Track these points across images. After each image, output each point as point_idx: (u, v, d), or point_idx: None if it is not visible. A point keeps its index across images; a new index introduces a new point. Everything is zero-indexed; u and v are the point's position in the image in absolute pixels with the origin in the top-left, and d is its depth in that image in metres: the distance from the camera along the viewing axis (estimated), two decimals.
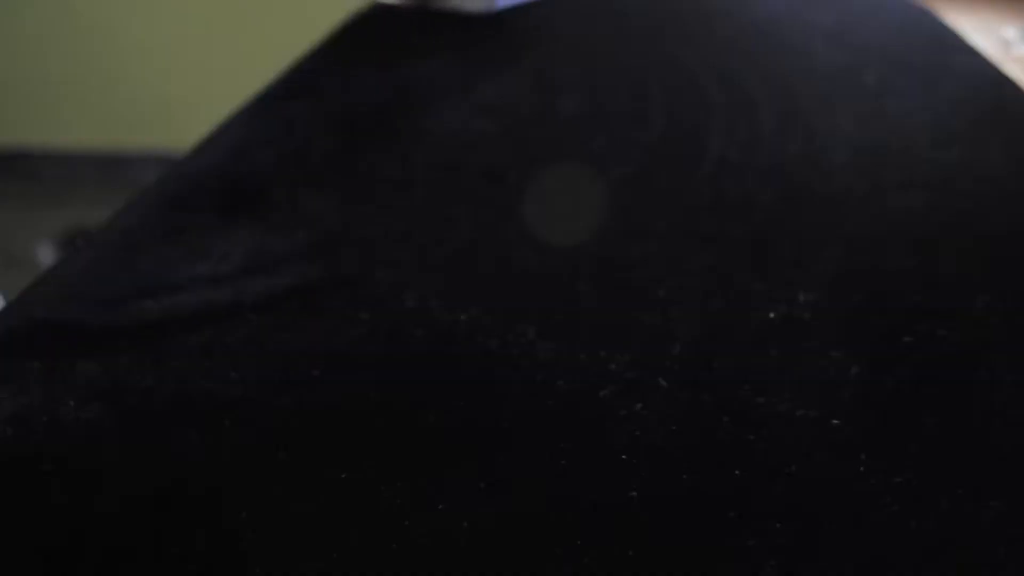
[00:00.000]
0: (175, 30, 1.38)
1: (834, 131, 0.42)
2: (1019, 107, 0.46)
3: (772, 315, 0.28)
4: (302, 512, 0.21)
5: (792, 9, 0.64)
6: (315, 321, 0.28)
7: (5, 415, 0.24)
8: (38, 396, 0.25)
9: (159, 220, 0.36)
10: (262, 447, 0.23)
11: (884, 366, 0.26)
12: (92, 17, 1.30)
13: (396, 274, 0.31)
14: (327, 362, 0.26)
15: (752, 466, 0.22)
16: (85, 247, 0.34)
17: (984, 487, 0.21)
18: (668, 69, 0.52)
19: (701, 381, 0.25)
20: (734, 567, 0.19)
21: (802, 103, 0.46)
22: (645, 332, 0.28)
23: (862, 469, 0.22)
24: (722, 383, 0.25)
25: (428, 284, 0.30)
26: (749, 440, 0.23)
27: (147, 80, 1.37)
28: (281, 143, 0.44)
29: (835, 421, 0.24)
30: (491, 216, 0.35)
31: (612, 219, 0.34)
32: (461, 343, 0.27)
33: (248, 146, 0.43)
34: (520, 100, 0.49)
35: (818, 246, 0.32)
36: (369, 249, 0.33)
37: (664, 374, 0.26)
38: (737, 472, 0.22)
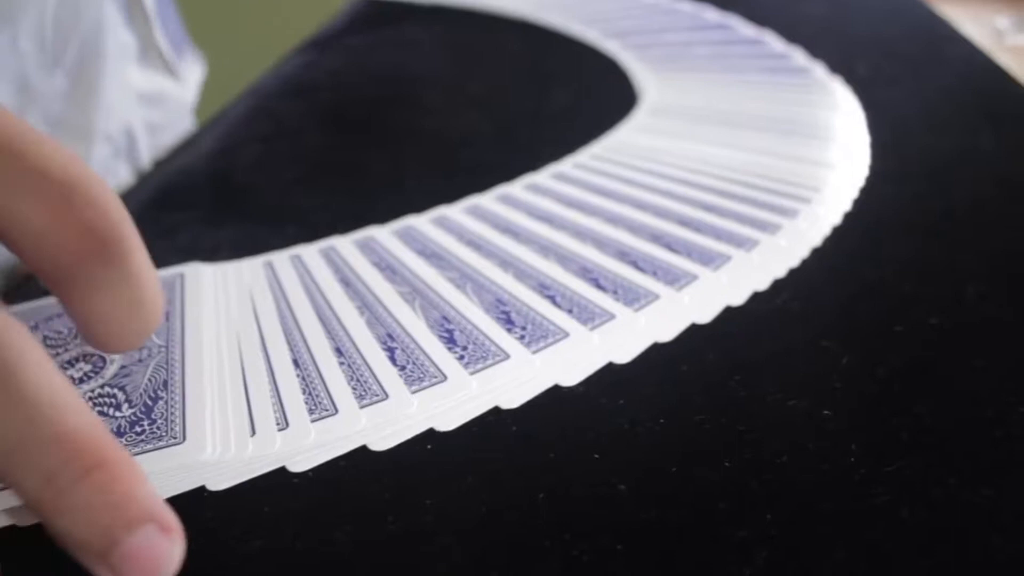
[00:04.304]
0: None
1: None
2: (1011, 97, 0.46)
3: (762, 305, 0.28)
4: (285, 512, 0.21)
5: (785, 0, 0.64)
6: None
7: None
8: None
9: (147, 216, 0.35)
10: None
11: (875, 355, 0.26)
12: None
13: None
14: None
15: (742, 457, 0.22)
16: None
17: (976, 475, 0.21)
18: None
19: (689, 372, 0.25)
20: (725, 558, 0.19)
21: None
22: None
23: (853, 459, 0.22)
24: (711, 374, 0.25)
25: None
26: (739, 431, 0.23)
27: None
28: (270, 139, 0.44)
29: (826, 411, 0.23)
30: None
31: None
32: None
33: (237, 142, 0.43)
34: (512, 95, 0.49)
35: None
36: None
37: (652, 366, 0.25)
38: (727, 463, 0.22)
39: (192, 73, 0.51)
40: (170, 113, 0.47)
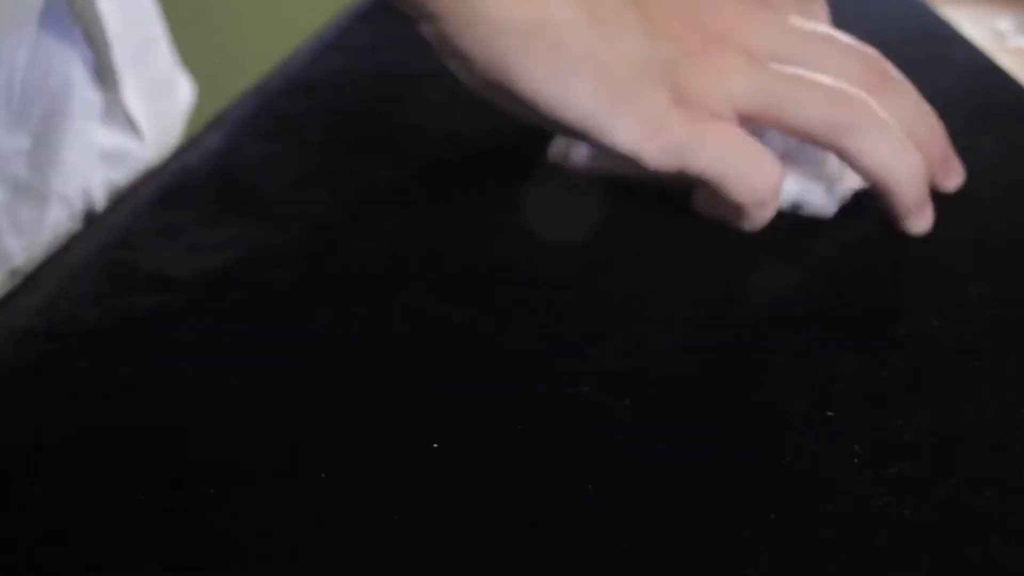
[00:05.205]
0: (168, 26, 1.37)
1: None
2: (1014, 99, 0.46)
3: (766, 307, 0.28)
4: (285, 510, 0.21)
5: None
6: (307, 316, 0.28)
7: None
8: (29, 393, 0.25)
9: (151, 214, 0.36)
10: (252, 444, 0.23)
11: (879, 357, 0.26)
12: None
13: (390, 270, 0.31)
14: (319, 358, 0.26)
15: (745, 458, 0.22)
16: (74, 242, 0.34)
17: (977, 477, 0.21)
18: None
19: (694, 373, 0.25)
20: (728, 559, 0.19)
21: None
22: (637, 326, 0.28)
23: (856, 460, 0.22)
24: (715, 375, 0.25)
25: (421, 280, 0.30)
26: (741, 433, 0.23)
27: None
28: (274, 137, 0.44)
29: (829, 413, 0.24)
30: (487, 209, 0.35)
31: (606, 214, 0.34)
32: (452, 339, 0.27)
33: (240, 140, 0.43)
34: None
35: (811, 237, 0.32)
36: (363, 243, 0.33)
37: (656, 367, 0.25)
38: (730, 464, 0.22)
39: (170, 118, 0.49)
40: (131, 172, 0.45)
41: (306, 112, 0.47)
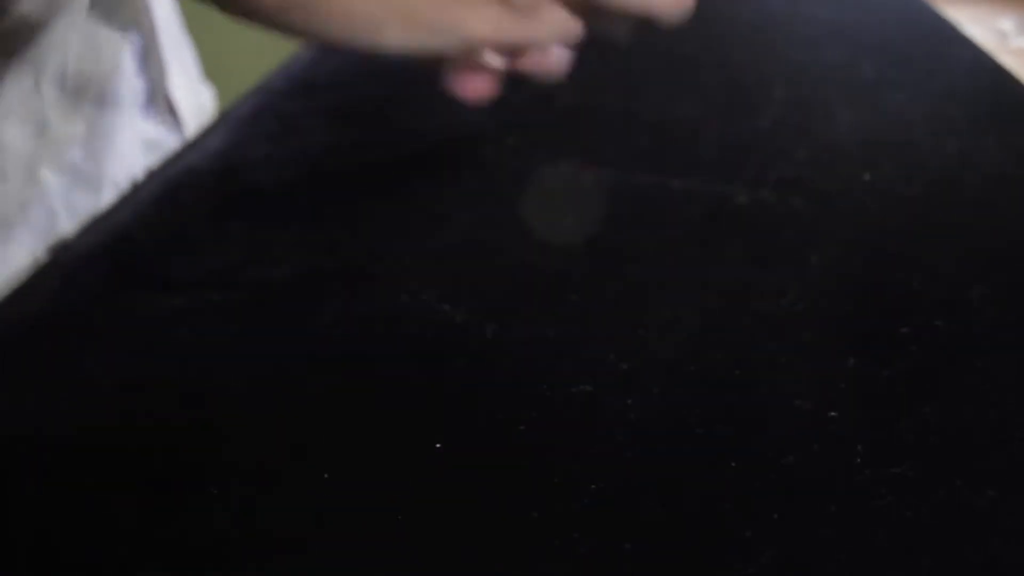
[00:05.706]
0: None
1: (833, 123, 0.42)
2: (1016, 99, 0.46)
3: (768, 307, 0.28)
4: (285, 509, 0.21)
5: (791, 2, 0.64)
6: (308, 316, 0.28)
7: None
8: (30, 393, 0.25)
9: (153, 213, 0.36)
10: (252, 444, 0.23)
11: (881, 357, 0.26)
12: None
13: (391, 270, 0.31)
14: (319, 358, 0.26)
15: (748, 458, 0.22)
16: (76, 241, 0.34)
17: (980, 476, 0.21)
18: (665, 62, 0.52)
19: (696, 373, 0.25)
20: (731, 558, 0.19)
21: (801, 96, 0.46)
22: (640, 326, 0.28)
23: (858, 460, 0.22)
24: (718, 375, 0.25)
25: (423, 280, 0.30)
26: (745, 432, 0.23)
27: None
28: (277, 137, 0.44)
29: (832, 413, 0.24)
30: (488, 210, 0.35)
31: (608, 215, 0.34)
32: (455, 339, 0.27)
33: (244, 140, 0.43)
34: (517, 93, 0.49)
35: (815, 237, 0.32)
36: (364, 244, 0.33)
37: (659, 367, 0.25)
38: (733, 464, 0.22)
39: (199, 113, 0.50)
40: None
41: (307, 112, 0.47)
